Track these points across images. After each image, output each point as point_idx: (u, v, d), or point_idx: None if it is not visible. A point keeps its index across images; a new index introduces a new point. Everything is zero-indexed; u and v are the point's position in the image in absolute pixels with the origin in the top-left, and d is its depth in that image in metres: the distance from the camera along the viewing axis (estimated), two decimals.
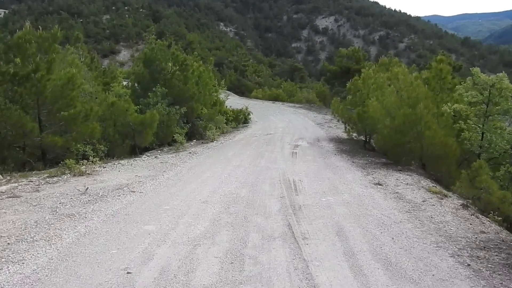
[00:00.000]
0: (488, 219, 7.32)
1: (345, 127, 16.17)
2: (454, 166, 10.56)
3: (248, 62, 61.37)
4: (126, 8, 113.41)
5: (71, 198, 7.54)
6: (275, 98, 39.56)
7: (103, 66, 28.66)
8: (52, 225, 6.08)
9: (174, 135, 14.02)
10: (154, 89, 14.73)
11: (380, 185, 9.11)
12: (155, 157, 12.38)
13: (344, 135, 17.83)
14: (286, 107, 32.71)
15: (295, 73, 65.56)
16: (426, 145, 10.35)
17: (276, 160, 12.00)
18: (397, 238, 5.94)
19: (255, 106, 29.81)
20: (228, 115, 21.20)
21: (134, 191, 8.26)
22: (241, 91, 47.17)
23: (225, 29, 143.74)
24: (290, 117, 25.16)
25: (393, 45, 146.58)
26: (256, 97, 41.08)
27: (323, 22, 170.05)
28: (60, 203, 7.24)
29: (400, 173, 10.46)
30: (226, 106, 22.46)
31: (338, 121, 16.90)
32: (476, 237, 6.12)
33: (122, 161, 11.52)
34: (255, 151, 13.45)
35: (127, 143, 12.92)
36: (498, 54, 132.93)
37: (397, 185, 9.25)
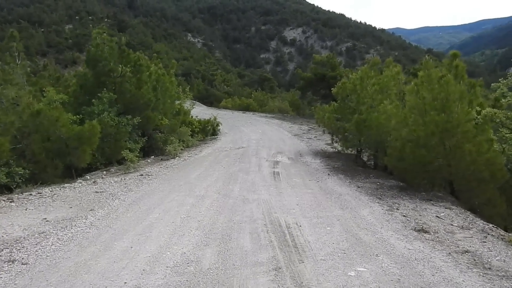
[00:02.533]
0: None
1: (332, 139, 13.72)
2: (497, 193, 8.06)
3: (217, 71, 58.81)
4: (90, 17, 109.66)
5: None
6: (245, 108, 37.14)
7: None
8: None
9: (123, 152, 11.18)
10: (99, 94, 11.92)
11: (425, 232, 6.09)
12: (94, 181, 9.49)
13: (329, 148, 15.43)
14: (257, 117, 30.27)
15: (264, 83, 63.92)
16: (464, 164, 7.66)
17: (255, 184, 9.18)
18: None
19: (224, 116, 27.30)
20: (194, 126, 18.53)
21: (13, 261, 4.96)
22: (210, 101, 44.66)
23: (193, 40, 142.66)
24: (263, 128, 22.68)
25: (360, 56, 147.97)
26: (226, 107, 38.57)
27: (291, 34, 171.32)
28: None
29: (433, 204, 7.75)
30: (192, 117, 19.78)
31: (324, 132, 14.35)
32: None
33: (46, 189, 8.64)
34: (225, 172, 10.65)
35: (58, 163, 9.97)
36: None
37: (449, 231, 6.25)
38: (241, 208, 7.25)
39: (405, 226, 6.38)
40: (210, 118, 21.02)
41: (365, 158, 13.39)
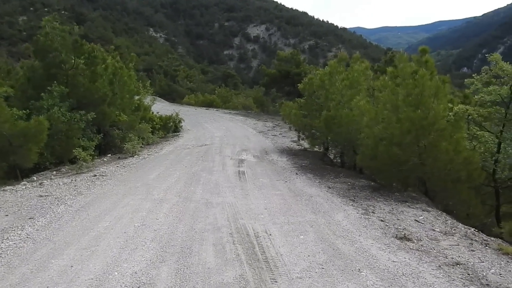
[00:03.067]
0: None
1: (298, 136, 13.35)
2: (472, 193, 7.78)
3: (179, 67, 57.51)
4: (46, 9, 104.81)
5: None
6: (209, 104, 36.42)
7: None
8: None
9: (74, 150, 10.31)
10: (49, 88, 10.98)
11: (408, 240, 5.57)
12: (40, 183, 8.59)
13: (295, 146, 15.08)
14: (221, 113, 29.65)
15: (228, 79, 63.51)
16: (440, 163, 7.19)
17: (219, 186, 8.47)
18: None
19: (187, 113, 26.55)
20: (155, 123, 17.71)
21: None
22: (172, 97, 43.55)
23: (155, 35, 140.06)
24: (227, 125, 22.12)
25: (322, 54, 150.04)
26: (189, 103, 37.68)
27: (254, 30, 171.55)
28: None
29: (409, 206, 7.26)
30: (153, 113, 18.94)
31: (290, 128, 13.92)
32: None
33: None
34: (187, 171, 9.90)
35: (0, 163, 9.01)
36: None
37: (433, 237, 5.71)
38: (203, 214, 6.54)
39: (385, 233, 5.85)
40: (172, 114, 20.24)
41: (331, 156, 13.11)
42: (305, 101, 12.63)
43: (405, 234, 5.78)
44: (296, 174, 10.01)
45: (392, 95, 7.32)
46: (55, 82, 11.07)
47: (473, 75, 8.81)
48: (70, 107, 11.26)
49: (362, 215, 6.71)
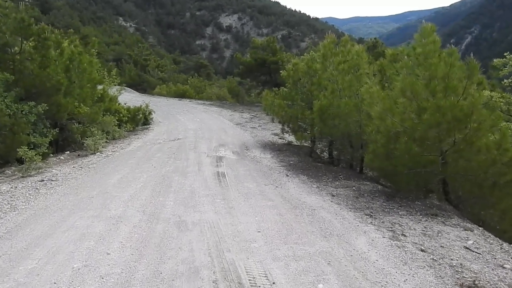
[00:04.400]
0: None
1: (282, 129, 12.07)
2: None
3: (150, 56, 55.14)
4: None
5: None
6: (181, 95, 34.70)
7: None
8: None
9: (19, 149, 8.64)
10: None
11: None
12: None
13: (277, 139, 13.79)
14: (195, 104, 28.07)
15: (201, 69, 61.86)
16: (479, 165, 5.76)
17: (195, 194, 6.82)
18: None
19: (158, 104, 24.97)
20: (122, 115, 16.07)
21: None
22: (143, 87, 41.48)
23: (124, 24, 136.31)
24: (201, 116, 20.63)
25: (295, 44, 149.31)
26: (160, 94, 35.85)
27: (226, 20, 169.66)
28: None
29: (443, 223, 5.68)
30: (120, 104, 17.26)
31: (273, 120, 12.62)
32: None
33: None
34: (156, 174, 8.31)
35: None
36: None
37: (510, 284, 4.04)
38: (175, 243, 4.78)
39: (440, 276, 4.11)
40: (141, 106, 18.61)
41: (318, 151, 11.89)
42: (289, 89, 11.33)
43: (474, 281, 4.01)
44: (287, 175, 8.54)
45: (415, 79, 5.91)
46: None
47: (505, 54, 7.64)
48: (17, 98, 9.58)
49: (391, 241, 5.06)
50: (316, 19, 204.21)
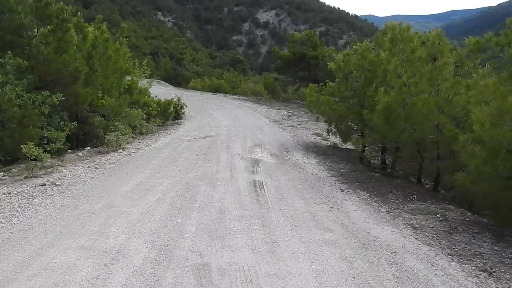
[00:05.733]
0: None
1: (328, 130, 10.45)
2: None
3: (186, 50, 54.53)
4: None
5: None
6: (216, 90, 33.56)
7: None
8: None
9: (23, 146, 7.44)
10: (1, 60, 8.24)
11: None
12: None
13: (319, 140, 12.21)
14: (229, 99, 26.79)
15: (236, 65, 60.78)
16: None
17: (225, 216, 5.22)
18: None
19: (192, 98, 23.90)
20: (151, 109, 14.96)
21: None
22: (178, 81, 40.71)
23: (163, 19, 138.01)
24: (235, 112, 19.30)
25: (333, 41, 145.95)
26: (195, 88, 34.88)
27: (264, 16, 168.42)
28: None
29: None
30: (153, 97, 16.19)
31: (318, 119, 10.96)
32: None
33: None
34: (180, 180, 6.92)
35: None
36: None
37: None
38: None
39: None
40: (173, 99, 17.47)
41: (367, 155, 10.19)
42: (338, 84, 9.72)
43: None
44: (341, 190, 6.83)
45: None
46: (9, 52, 8.30)
47: None
48: (30, 87, 8.52)
49: None
50: (355, 16, 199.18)
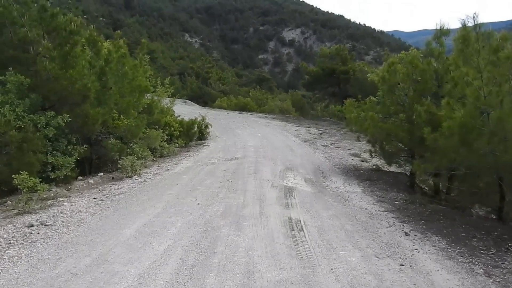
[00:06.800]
0: None
1: (371, 150, 9.05)
2: None
3: (212, 69, 54.21)
4: (85, 16, 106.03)
5: None
6: (242, 108, 32.58)
7: None
8: None
9: (15, 177, 6.37)
10: (1, 77, 7.35)
11: None
12: None
13: (358, 161, 10.77)
14: (256, 117, 25.66)
15: (263, 83, 60.01)
16: None
17: (254, 282, 3.80)
18: None
19: (217, 117, 22.90)
20: (173, 129, 13.96)
21: None
22: (204, 100, 40.08)
23: (190, 40, 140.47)
24: (263, 131, 18.10)
25: (359, 57, 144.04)
26: (221, 107, 34.03)
27: (289, 34, 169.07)
28: None
29: None
30: (173, 116, 15.22)
31: (359, 138, 9.53)
32: None
33: None
34: (197, 220, 5.61)
35: None
36: None
37: None
38: None
39: None
40: (197, 118, 16.46)
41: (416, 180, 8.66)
42: (384, 98, 8.36)
43: None
44: (406, 234, 5.22)
45: None
46: (10, 69, 7.40)
47: None
48: (33, 107, 7.57)
49: None
50: (382, 32, 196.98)
